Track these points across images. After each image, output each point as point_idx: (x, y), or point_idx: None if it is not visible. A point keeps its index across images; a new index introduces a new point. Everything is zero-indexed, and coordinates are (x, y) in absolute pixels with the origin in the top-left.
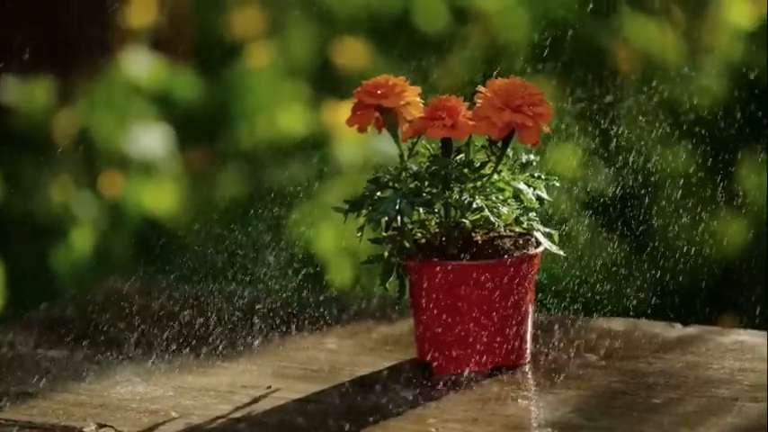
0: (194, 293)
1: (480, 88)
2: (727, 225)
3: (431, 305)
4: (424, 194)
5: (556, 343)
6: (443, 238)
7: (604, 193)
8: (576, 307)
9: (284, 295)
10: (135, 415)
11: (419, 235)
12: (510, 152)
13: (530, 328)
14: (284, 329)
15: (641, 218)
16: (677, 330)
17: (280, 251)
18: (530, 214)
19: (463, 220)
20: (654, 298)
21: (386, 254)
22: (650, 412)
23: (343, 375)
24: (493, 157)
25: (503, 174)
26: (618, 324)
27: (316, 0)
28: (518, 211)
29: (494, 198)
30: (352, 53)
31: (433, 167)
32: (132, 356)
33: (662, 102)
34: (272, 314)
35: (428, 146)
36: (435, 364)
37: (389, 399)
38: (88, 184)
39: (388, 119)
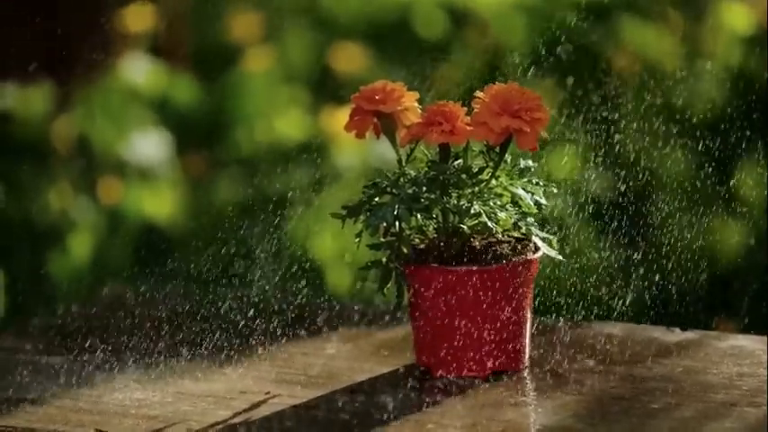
0: (193, 299)
1: (478, 94)
2: (726, 229)
3: (429, 311)
4: (422, 200)
5: (554, 348)
6: (441, 244)
7: (602, 198)
8: (574, 311)
9: (283, 300)
10: (133, 421)
11: (417, 240)
12: (508, 157)
13: (528, 333)
14: (283, 335)
15: (640, 222)
16: (676, 335)
17: (278, 256)
18: (528, 219)
19: (461, 225)
20: (652, 302)
21: (384, 259)
22: (649, 417)
23: (341, 381)
24: (491, 163)
25: (501, 179)
26: (616, 329)
27: (314, 5)
28: (516, 217)
29: (492, 203)
30: (350, 58)
31: (431, 173)
32: (131, 362)
33: (660, 106)
34: (270, 319)
35: (426, 151)
36: (434, 369)
37: (388, 404)
38: (87, 190)
39: (386, 124)
